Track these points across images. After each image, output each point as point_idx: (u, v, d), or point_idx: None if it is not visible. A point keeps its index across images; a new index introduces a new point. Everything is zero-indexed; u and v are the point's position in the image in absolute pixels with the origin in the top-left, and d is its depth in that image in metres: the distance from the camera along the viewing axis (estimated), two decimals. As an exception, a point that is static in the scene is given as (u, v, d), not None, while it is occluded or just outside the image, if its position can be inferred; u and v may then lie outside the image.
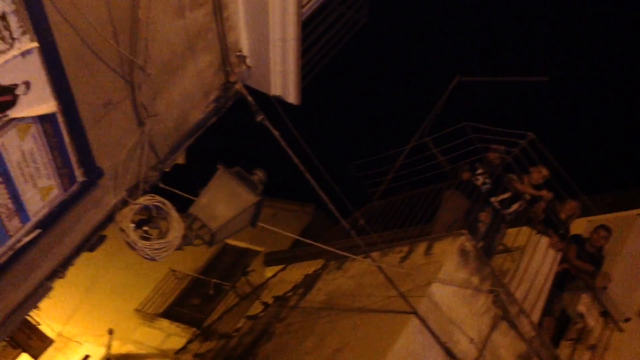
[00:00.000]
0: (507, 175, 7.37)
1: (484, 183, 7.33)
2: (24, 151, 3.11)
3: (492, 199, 7.29)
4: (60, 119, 3.21)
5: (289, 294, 8.41)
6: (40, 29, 2.88)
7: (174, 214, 3.99)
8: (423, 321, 5.71)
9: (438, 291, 5.95)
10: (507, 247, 7.89)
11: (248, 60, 4.52)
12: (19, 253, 3.30)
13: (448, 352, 5.83)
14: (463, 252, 6.28)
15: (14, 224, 3.20)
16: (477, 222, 7.03)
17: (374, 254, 6.48)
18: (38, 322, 10.74)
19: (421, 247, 6.65)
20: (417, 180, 7.92)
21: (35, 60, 2.93)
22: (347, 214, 6.39)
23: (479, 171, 7.40)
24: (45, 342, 10.91)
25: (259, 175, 4.45)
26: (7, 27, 2.73)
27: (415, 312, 5.72)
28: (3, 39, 2.74)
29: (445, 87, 8.77)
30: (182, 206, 4.23)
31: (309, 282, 8.15)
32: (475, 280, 6.31)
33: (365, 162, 8.44)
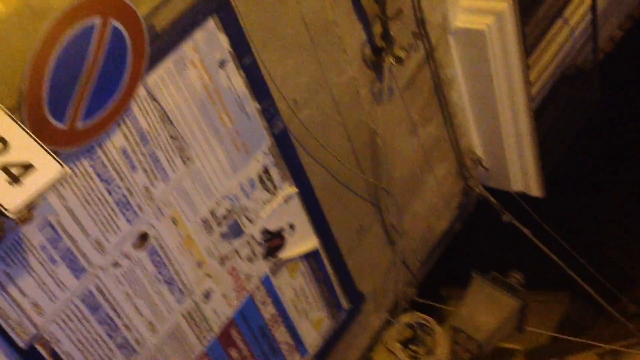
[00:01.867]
0: None
1: None
2: (296, 288, 3.32)
3: None
4: (322, 253, 3.39)
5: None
6: (297, 174, 3.13)
7: (438, 329, 3.95)
8: None
9: None
10: None
11: (484, 162, 4.49)
12: (303, 387, 3.45)
13: None
14: None
15: (295, 359, 3.37)
16: None
17: (657, 344, 5.77)
18: None
19: None
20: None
21: (296, 203, 3.17)
22: (611, 299, 5.86)
23: None
24: None
25: (516, 277, 4.28)
26: (269, 179, 3.00)
27: None
28: (268, 190, 3.01)
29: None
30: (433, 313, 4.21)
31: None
32: None
33: (624, 241, 7.74)
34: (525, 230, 4.41)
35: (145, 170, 2.46)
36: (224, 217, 2.84)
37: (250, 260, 3.02)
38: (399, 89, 3.67)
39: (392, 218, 3.93)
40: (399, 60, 3.32)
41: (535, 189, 4.65)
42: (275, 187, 3.04)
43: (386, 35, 3.24)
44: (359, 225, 3.77)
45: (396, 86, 3.63)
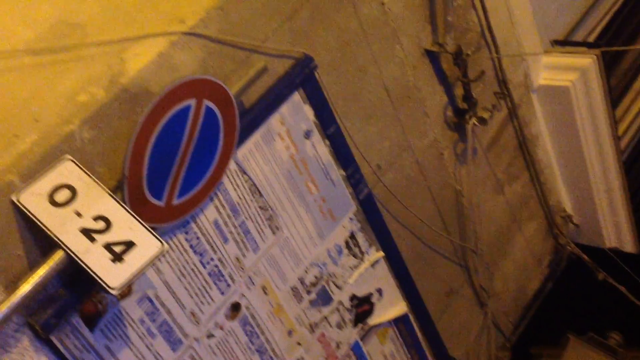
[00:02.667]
0: None
1: None
2: (386, 354, 3.26)
3: None
4: (411, 317, 3.34)
5: None
6: (383, 238, 3.11)
7: (535, 395, 3.79)
8: None
9: None
10: None
11: (575, 219, 4.35)
12: None
13: None
14: None
15: None
16: None
17: None
18: None
19: None
20: None
21: (383, 268, 3.15)
22: None
23: None
24: None
25: (615, 338, 4.09)
26: (356, 244, 3.01)
27: None
28: (355, 255, 3.01)
29: None
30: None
31: None
32: None
33: None
34: (621, 288, 4.22)
35: (236, 241, 2.52)
36: (313, 285, 2.86)
37: (339, 327, 3.01)
38: (483, 148, 3.64)
39: (481, 279, 3.84)
40: (482, 121, 3.30)
41: (629, 245, 4.47)
42: (362, 252, 3.04)
43: (468, 97, 3.24)
44: (448, 287, 3.71)
45: (480, 146, 3.60)
